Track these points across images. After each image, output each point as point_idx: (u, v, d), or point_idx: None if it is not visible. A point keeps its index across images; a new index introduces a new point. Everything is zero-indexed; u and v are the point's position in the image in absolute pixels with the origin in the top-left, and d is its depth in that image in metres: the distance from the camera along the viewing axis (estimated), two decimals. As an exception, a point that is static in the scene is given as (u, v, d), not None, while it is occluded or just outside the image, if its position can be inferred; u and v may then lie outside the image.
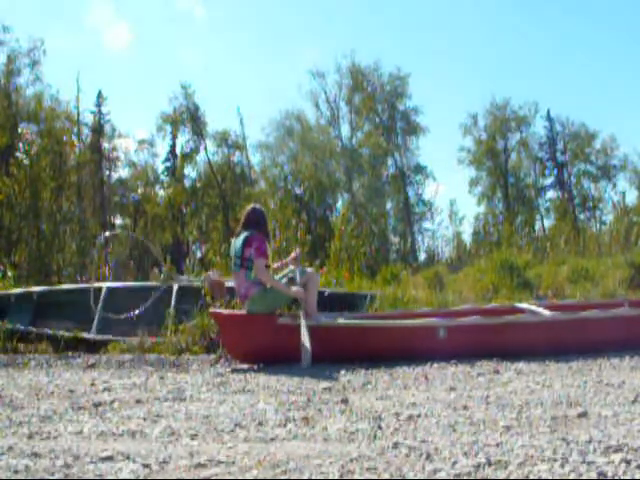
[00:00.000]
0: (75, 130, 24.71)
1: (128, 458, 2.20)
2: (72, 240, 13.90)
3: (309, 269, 5.27)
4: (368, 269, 11.82)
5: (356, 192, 33.10)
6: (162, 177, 35.74)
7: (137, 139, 37.83)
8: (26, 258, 12.83)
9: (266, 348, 4.69)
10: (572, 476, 1.88)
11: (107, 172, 33.03)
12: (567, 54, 51.07)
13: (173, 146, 35.24)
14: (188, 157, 35.02)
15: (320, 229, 27.31)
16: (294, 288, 4.90)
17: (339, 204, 32.53)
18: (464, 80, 50.67)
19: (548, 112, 35.94)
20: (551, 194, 36.46)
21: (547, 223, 34.06)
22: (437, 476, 1.93)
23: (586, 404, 2.98)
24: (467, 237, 33.10)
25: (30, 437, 2.57)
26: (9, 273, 9.75)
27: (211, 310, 5.14)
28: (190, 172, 35.46)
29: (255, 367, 4.72)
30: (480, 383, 3.71)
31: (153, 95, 56.88)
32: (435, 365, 4.39)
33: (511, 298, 7.28)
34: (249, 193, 29.27)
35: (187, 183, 34.98)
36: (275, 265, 5.30)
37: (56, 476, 2.02)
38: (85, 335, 6.07)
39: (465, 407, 3.00)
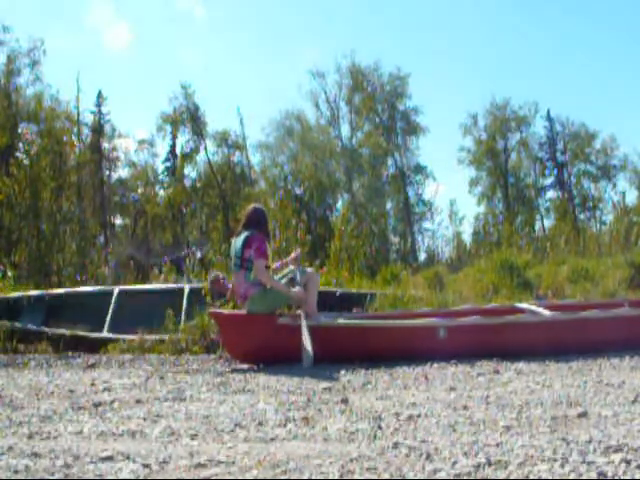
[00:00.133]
0: (75, 130, 24.65)
1: (128, 458, 2.20)
2: (72, 240, 13.86)
3: (309, 269, 5.27)
4: (368, 269, 11.80)
5: (356, 192, 33.07)
6: (162, 177, 35.76)
7: (137, 139, 37.83)
8: (26, 258, 12.81)
9: (266, 348, 4.70)
10: (572, 476, 1.88)
11: (107, 172, 33.01)
12: (567, 54, 51.12)
13: (173, 146, 35.26)
14: (188, 157, 35.00)
15: (320, 229, 27.26)
16: (294, 289, 4.90)
17: (339, 204, 32.46)
18: (464, 80, 50.65)
19: (548, 112, 35.99)
20: (551, 194, 36.51)
21: (547, 223, 34.04)
22: (437, 476, 1.93)
23: (586, 404, 2.98)
24: (467, 237, 32.95)
25: (30, 437, 2.57)
26: (9, 273, 9.74)
27: (211, 310, 5.14)
28: (190, 172, 35.48)
29: (255, 367, 4.72)
30: (480, 383, 3.71)
31: (153, 95, 56.89)
32: (435, 365, 4.39)
33: (511, 298, 7.27)
34: (249, 193, 29.23)
35: (187, 183, 34.93)
36: (275, 265, 5.30)
37: (56, 476, 2.02)
38: (103, 334, 6.16)
39: (465, 407, 3.00)
